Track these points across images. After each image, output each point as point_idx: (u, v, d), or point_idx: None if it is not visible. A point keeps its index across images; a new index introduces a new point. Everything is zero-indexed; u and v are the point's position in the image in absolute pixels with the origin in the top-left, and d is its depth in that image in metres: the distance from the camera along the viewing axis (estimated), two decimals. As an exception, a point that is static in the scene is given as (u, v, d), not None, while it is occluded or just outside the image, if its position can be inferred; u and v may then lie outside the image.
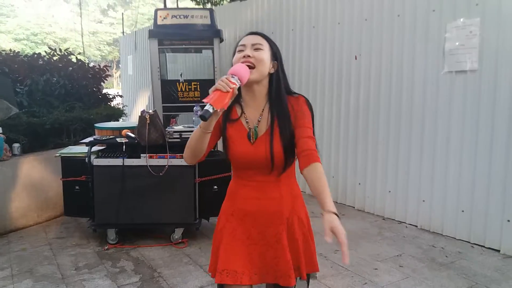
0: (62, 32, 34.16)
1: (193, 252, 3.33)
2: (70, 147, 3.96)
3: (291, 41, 5.21)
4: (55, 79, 5.23)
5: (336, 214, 1.26)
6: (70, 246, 3.52)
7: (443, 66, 3.61)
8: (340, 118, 4.64)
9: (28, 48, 27.21)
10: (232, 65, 1.39)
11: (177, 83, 5.03)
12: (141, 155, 3.36)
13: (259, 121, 1.44)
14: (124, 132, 3.61)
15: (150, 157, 3.36)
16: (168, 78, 5.30)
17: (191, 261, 3.16)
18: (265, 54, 1.40)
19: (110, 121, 4.99)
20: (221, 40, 5.16)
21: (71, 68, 5.57)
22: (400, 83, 4.00)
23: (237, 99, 1.45)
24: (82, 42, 25.32)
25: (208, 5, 11.14)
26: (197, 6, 10.50)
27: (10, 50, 5.75)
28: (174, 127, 3.65)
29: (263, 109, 1.45)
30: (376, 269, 3.05)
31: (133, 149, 3.41)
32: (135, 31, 9.94)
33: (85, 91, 5.67)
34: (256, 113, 1.45)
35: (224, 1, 10.63)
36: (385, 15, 4.09)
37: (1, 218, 3.78)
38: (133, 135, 3.50)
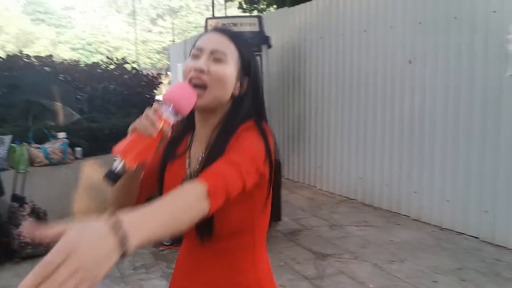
0: (115, 41, 35.94)
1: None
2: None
3: (341, 46, 5.18)
4: (112, 86, 5.53)
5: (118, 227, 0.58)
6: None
7: (505, 69, 3.44)
8: (394, 123, 4.54)
9: (84, 57, 28.85)
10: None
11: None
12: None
13: (199, 161, 1.00)
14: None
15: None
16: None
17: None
18: (229, 68, 0.96)
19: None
20: (269, 46, 5.22)
21: (126, 76, 5.86)
22: (458, 88, 3.86)
23: (191, 125, 1.05)
24: (136, 50, 26.45)
25: (255, 12, 11.32)
26: (243, 14, 10.69)
27: (71, 59, 6.16)
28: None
29: (207, 145, 1.00)
30: (436, 282, 2.95)
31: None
32: (185, 40, 10.27)
33: (139, 98, 5.94)
34: (199, 151, 1.02)
35: (271, 8, 10.74)
36: (441, 18, 3.97)
37: (64, 218, 4.03)
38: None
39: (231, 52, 0.98)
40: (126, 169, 0.78)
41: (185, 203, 0.71)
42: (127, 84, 5.76)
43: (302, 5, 5.87)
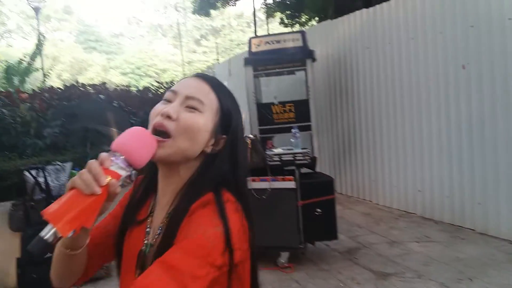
0: (162, 63, 37.47)
1: (301, 278, 3.34)
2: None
3: (389, 55, 5.08)
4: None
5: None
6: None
7: None
8: (451, 131, 4.35)
9: (134, 80, 30.27)
10: None
11: (272, 106, 5.18)
12: (244, 178, 3.51)
13: (159, 232, 0.84)
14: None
15: (253, 180, 3.49)
16: (263, 102, 5.48)
17: (300, 287, 3.18)
18: (203, 119, 0.83)
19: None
20: (314, 60, 5.23)
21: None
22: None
23: (156, 182, 0.90)
24: (183, 71, 27.39)
25: (296, 26, 11.38)
26: (285, 29, 10.79)
27: (123, 85, 6.50)
28: (274, 150, 3.75)
29: (167, 214, 0.85)
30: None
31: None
32: (229, 59, 10.51)
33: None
34: (160, 218, 0.87)
35: (313, 21, 10.76)
36: (494, 20, 3.80)
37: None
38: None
39: (209, 102, 0.85)
40: (58, 237, 0.64)
41: None
42: (176, 106, 5.98)
43: (345, 16, 5.84)
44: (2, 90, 6.79)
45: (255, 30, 10.27)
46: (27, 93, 5.78)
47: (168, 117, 0.80)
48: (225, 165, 0.86)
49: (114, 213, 0.95)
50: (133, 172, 0.75)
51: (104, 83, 6.30)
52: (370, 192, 5.65)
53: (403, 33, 4.83)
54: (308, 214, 3.46)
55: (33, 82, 10.71)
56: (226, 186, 0.84)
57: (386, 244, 4.02)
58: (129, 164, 0.72)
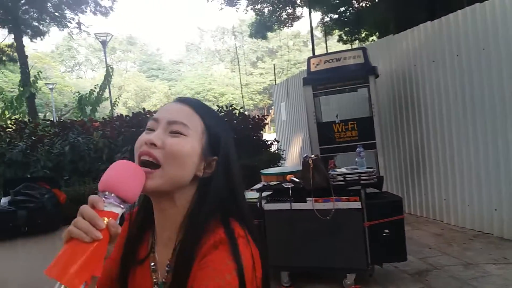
0: (220, 87, 38.80)
1: (368, 300, 3.28)
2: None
3: (457, 68, 4.92)
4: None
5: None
6: None
7: None
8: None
9: (193, 105, 31.60)
10: None
11: (333, 125, 5.19)
12: (307, 199, 3.55)
13: (167, 272, 0.84)
14: (288, 177, 3.88)
15: (316, 201, 3.51)
16: (323, 121, 5.51)
17: (368, 310, 3.12)
18: (189, 143, 0.82)
19: (270, 166, 5.42)
20: (377, 76, 5.20)
21: (235, 122, 6.29)
22: None
23: (151, 217, 0.88)
24: (241, 94, 28.14)
25: (356, 42, 11.36)
26: (344, 46, 10.80)
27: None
28: (337, 170, 3.76)
29: (173, 250, 0.83)
30: None
31: (299, 193, 3.62)
32: (287, 79, 10.69)
33: (248, 140, 6.29)
34: (165, 255, 0.86)
35: (374, 36, 10.68)
36: None
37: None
38: (297, 180, 3.73)
39: (194, 125, 0.83)
40: None
41: None
42: (236, 129, 6.16)
43: (408, 30, 5.77)
44: (76, 119, 7.43)
45: (313, 49, 10.38)
46: (99, 122, 6.28)
47: (153, 144, 0.79)
48: (222, 188, 0.84)
49: (113, 256, 0.87)
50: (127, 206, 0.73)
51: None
52: (441, 212, 5.41)
53: (473, 44, 4.67)
54: (375, 235, 3.40)
55: (101, 111, 11.62)
56: (228, 212, 0.82)
57: (460, 266, 3.83)
58: (123, 200, 0.70)
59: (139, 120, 6.07)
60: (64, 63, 46.22)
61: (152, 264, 0.86)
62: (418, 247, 4.43)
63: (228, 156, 0.87)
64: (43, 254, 3.76)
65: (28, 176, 4.56)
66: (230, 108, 6.59)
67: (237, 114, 6.53)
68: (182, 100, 0.88)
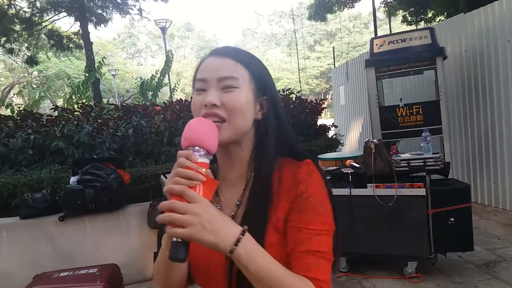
0: (275, 72, 38.72)
1: (430, 289, 3.22)
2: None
3: (536, 47, 4.58)
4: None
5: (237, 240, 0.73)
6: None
7: None
8: None
9: (249, 91, 31.87)
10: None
11: (397, 109, 5.05)
12: (368, 184, 3.51)
13: (237, 206, 0.92)
14: (348, 162, 3.85)
15: (377, 186, 3.47)
16: (386, 105, 5.37)
17: (429, 299, 3.07)
18: (243, 93, 0.88)
19: (328, 151, 5.39)
20: (445, 58, 4.96)
21: (292, 106, 6.29)
22: None
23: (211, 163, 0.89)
24: (298, 79, 27.99)
25: (421, 24, 10.84)
26: (408, 28, 10.35)
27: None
28: (401, 155, 3.67)
29: (245, 186, 0.93)
30: None
31: (359, 179, 3.59)
32: (347, 62, 10.47)
33: (305, 124, 6.27)
34: (234, 193, 0.94)
35: (441, 16, 10.13)
36: None
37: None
38: (357, 165, 3.69)
39: (241, 74, 0.89)
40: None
41: (291, 282, 0.76)
42: (293, 113, 6.16)
43: (481, 8, 5.43)
44: (138, 104, 7.79)
45: (375, 30, 10.06)
46: (160, 106, 6.56)
47: (213, 105, 0.86)
48: (274, 123, 0.92)
49: None
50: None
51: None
52: (511, 202, 5.13)
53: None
54: (440, 223, 3.31)
55: (160, 97, 12.08)
56: (287, 146, 0.94)
57: (533, 258, 3.64)
58: (207, 152, 0.78)
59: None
60: (126, 50, 48.34)
61: (218, 203, 0.95)
62: (485, 237, 4.26)
63: (273, 91, 0.95)
64: (108, 230, 4.06)
65: (95, 157, 4.83)
66: (287, 92, 6.60)
67: (293, 99, 6.52)
68: (220, 53, 0.92)
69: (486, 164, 5.56)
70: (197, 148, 0.77)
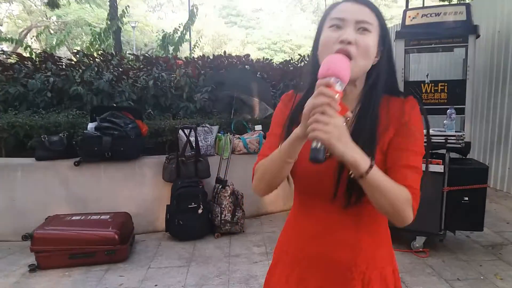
0: (298, 39, 37.95)
1: (436, 264, 3.29)
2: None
3: None
4: (302, 83, 5.95)
5: (369, 165, 0.92)
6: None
7: None
8: None
9: (268, 55, 31.38)
10: (316, 47, 1.06)
11: (422, 84, 4.95)
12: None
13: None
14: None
15: (394, 160, 3.47)
16: (411, 79, 5.27)
17: (434, 272, 3.14)
18: (372, 38, 1.01)
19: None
20: (477, 37, 4.81)
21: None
22: None
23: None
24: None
25: (455, 0, 10.44)
26: (443, 2, 9.99)
27: (264, 58, 6.86)
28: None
29: (351, 112, 1.05)
30: None
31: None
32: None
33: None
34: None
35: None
36: None
37: (256, 202, 4.61)
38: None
39: (373, 21, 1.02)
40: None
41: (400, 194, 0.96)
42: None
43: (522, -14, 5.22)
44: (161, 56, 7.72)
45: (407, 3, 9.72)
46: (182, 60, 6.52)
47: (349, 42, 0.98)
48: (386, 70, 1.07)
49: (278, 133, 1.15)
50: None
51: (248, 55, 6.74)
52: (523, 187, 5.14)
53: None
54: (454, 201, 3.33)
55: (180, 54, 11.97)
56: (393, 88, 1.10)
57: (538, 243, 3.68)
58: (342, 83, 0.91)
59: (219, 63, 6.23)
60: (147, 2, 47.61)
61: None
62: (494, 220, 4.31)
63: (390, 45, 1.08)
64: (123, 179, 4.14)
65: (114, 105, 4.84)
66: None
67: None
68: (357, 0, 1.04)
69: (503, 149, 5.51)
70: (333, 79, 0.89)
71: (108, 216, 3.68)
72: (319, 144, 0.87)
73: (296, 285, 1.11)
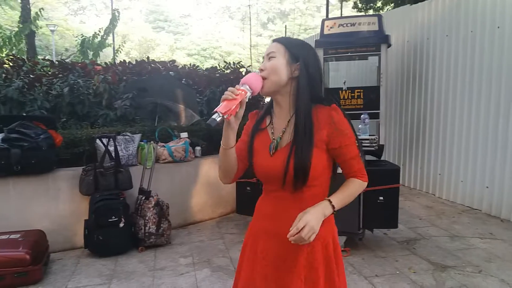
0: (227, 46, 38.16)
1: (356, 262, 3.41)
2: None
3: (470, 45, 4.89)
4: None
5: (331, 206, 1.34)
6: (240, 241, 3.94)
7: None
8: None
9: (198, 62, 31.18)
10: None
11: (340, 91, 5.17)
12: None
13: (283, 132, 1.43)
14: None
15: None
16: (330, 87, 5.48)
17: (355, 271, 3.26)
18: (278, 60, 1.38)
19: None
20: (389, 46, 5.13)
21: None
22: None
23: (269, 110, 1.51)
24: (249, 55, 27.79)
25: (370, 11, 11.11)
26: (359, 13, 10.57)
27: (190, 64, 6.77)
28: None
29: (289, 120, 1.42)
30: None
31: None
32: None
33: (252, 99, 6.27)
34: (282, 124, 1.44)
35: (388, 6, 10.44)
36: None
37: (183, 211, 4.50)
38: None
39: (279, 50, 1.39)
40: (223, 119, 1.27)
41: (357, 190, 1.42)
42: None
43: (426, 2, 5.67)
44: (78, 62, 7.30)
45: (327, 14, 10.17)
46: (101, 66, 6.21)
47: (261, 69, 1.40)
48: (306, 81, 1.37)
49: (243, 139, 1.53)
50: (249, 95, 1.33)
51: (173, 61, 6.60)
52: (435, 186, 5.57)
53: (489, 22, 4.62)
54: (370, 201, 3.49)
55: (103, 59, 11.45)
56: (317, 97, 1.40)
57: (447, 237, 3.99)
58: (250, 88, 1.31)
59: (142, 69, 6.02)
60: (68, 5, 45.14)
61: (271, 131, 1.46)
62: (408, 217, 4.60)
63: (307, 63, 1.39)
64: (35, 194, 3.80)
65: (24, 114, 4.46)
66: (237, 66, 6.54)
67: (243, 73, 6.48)
68: (274, 40, 1.46)
69: (415, 150, 5.93)
70: (245, 84, 1.32)
71: (19, 235, 3.38)
72: (219, 118, 1.24)
73: (261, 253, 1.45)
